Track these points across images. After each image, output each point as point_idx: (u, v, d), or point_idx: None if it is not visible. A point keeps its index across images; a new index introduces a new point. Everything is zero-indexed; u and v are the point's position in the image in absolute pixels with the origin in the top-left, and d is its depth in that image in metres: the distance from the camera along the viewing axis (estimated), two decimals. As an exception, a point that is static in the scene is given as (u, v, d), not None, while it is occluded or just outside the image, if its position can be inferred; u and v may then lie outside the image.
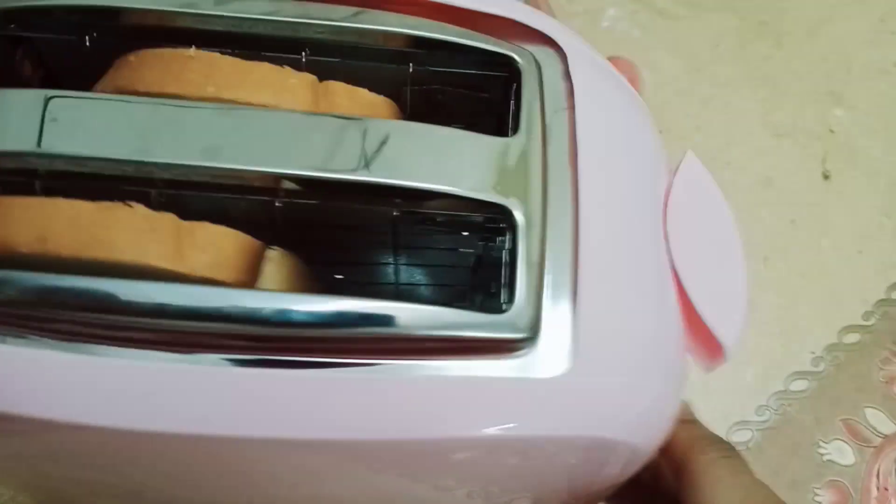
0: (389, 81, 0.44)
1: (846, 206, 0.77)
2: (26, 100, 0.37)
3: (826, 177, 0.79)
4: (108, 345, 0.34)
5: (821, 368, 0.69)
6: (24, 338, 0.34)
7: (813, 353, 0.70)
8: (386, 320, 0.33)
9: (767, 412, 0.67)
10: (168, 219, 0.34)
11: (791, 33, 0.87)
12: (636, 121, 0.43)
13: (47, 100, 0.37)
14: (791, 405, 0.67)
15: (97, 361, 0.34)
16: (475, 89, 0.45)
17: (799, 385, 0.69)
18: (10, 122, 0.36)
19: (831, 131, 0.82)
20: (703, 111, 0.81)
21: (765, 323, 0.70)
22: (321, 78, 0.41)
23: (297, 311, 0.33)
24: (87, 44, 0.42)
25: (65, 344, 0.34)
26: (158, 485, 0.44)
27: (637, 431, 0.38)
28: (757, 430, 0.66)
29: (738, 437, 0.65)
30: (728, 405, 0.66)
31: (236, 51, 0.41)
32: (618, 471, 0.40)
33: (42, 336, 0.34)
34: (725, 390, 0.67)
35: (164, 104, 0.36)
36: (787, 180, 0.78)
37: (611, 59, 0.46)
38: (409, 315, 0.34)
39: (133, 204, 0.35)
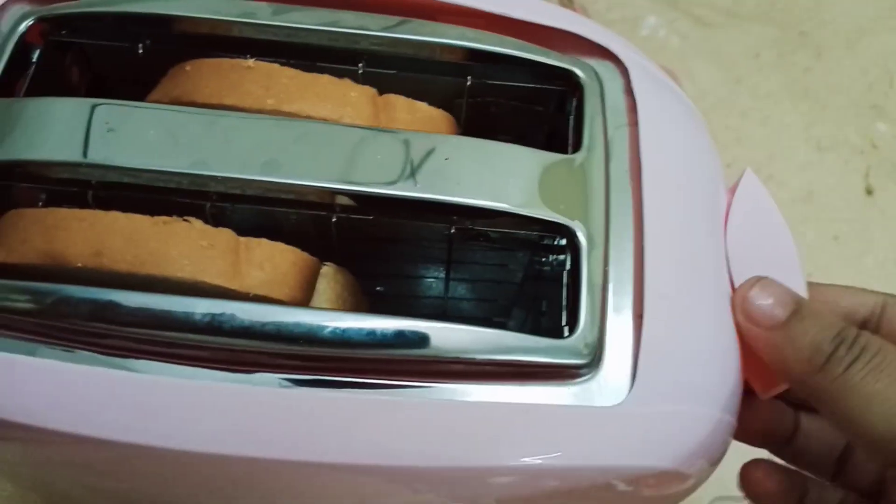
0: (444, 93, 0.43)
1: (889, 222, 0.76)
2: (75, 108, 0.36)
3: (869, 192, 0.78)
4: (163, 362, 0.33)
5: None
6: (73, 352, 0.34)
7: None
8: (446, 343, 0.33)
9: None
10: (226, 235, 0.34)
11: (831, 45, 0.86)
12: (696, 137, 0.42)
13: (93, 108, 0.36)
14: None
15: (150, 380, 0.33)
16: (530, 102, 0.44)
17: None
18: (60, 131, 0.36)
19: (874, 146, 0.80)
20: (743, 123, 0.80)
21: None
22: (378, 89, 0.40)
23: (356, 331, 0.32)
24: (140, 51, 0.41)
25: (117, 360, 0.33)
26: (197, 500, 0.44)
27: (692, 462, 0.36)
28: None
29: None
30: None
31: (292, 61, 0.41)
32: (664, 497, 0.39)
33: (95, 352, 0.33)
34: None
35: (222, 115, 0.36)
36: (829, 195, 0.77)
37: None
38: (471, 338, 0.33)
39: (191, 219, 0.34)
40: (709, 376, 0.36)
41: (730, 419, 0.37)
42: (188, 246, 0.33)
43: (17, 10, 0.42)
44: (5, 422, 0.32)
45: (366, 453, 0.32)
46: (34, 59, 0.41)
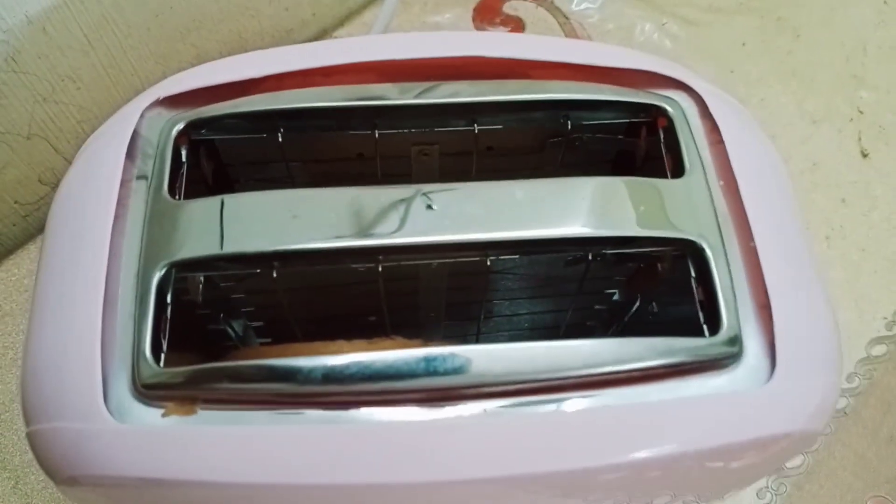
0: (541, 136, 0.49)
1: (887, 178, 0.84)
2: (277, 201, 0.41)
3: (864, 155, 0.86)
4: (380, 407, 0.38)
5: (895, 332, 0.76)
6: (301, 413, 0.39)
7: (885, 318, 0.76)
8: (625, 355, 0.39)
9: (857, 379, 0.73)
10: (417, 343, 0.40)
11: (807, 25, 0.94)
12: (765, 143, 0.48)
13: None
14: (876, 369, 0.73)
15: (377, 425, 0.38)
16: (613, 133, 0.50)
17: (879, 350, 0.75)
18: (259, 220, 0.41)
19: (860, 112, 0.88)
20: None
21: (837, 298, 0.76)
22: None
23: (564, 356, 0.38)
24: (280, 139, 0.46)
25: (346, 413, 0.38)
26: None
27: (822, 421, 0.43)
28: (850, 396, 0.72)
29: (834, 406, 0.71)
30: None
31: (413, 130, 0.46)
32: (790, 455, 0.46)
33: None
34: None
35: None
36: (831, 162, 0.85)
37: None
38: (643, 348, 0.39)
39: (395, 337, 0.40)
40: (829, 349, 0.42)
41: (838, 378, 0.44)
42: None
43: (156, 114, 0.46)
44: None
45: (575, 458, 0.38)
46: (184, 159, 0.46)
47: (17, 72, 0.67)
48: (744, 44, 0.92)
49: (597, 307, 0.56)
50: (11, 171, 0.73)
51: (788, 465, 0.66)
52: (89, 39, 0.71)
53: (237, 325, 0.54)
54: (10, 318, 0.73)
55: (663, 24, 0.91)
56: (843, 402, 0.72)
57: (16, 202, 0.76)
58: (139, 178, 0.44)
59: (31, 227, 0.78)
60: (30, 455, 0.68)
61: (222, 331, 0.53)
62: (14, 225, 0.77)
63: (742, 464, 0.41)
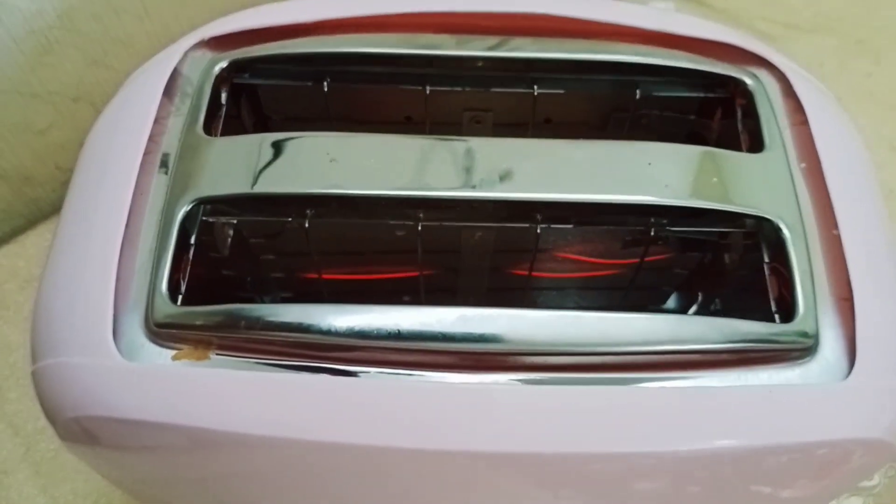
0: (603, 106, 0.46)
1: (969, 213, 0.79)
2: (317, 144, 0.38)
3: (945, 186, 0.80)
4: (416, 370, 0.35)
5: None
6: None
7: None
8: (687, 334, 0.34)
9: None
10: None
11: (887, 49, 0.89)
12: (851, 129, 0.44)
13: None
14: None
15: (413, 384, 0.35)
16: (684, 112, 0.46)
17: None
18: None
19: (943, 142, 0.83)
20: (817, 129, 0.83)
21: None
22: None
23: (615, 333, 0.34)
24: (326, 88, 0.43)
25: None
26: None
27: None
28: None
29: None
30: None
31: (468, 89, 0.43)
32: (864, 470, 0.41)
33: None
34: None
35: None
36: (909, 191, 0.79)
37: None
38: (708, 328, 0.35)
39: None
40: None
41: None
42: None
43: (199, 55, 0.44)
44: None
45: (627, 441, 0.34)
46: (223, 101, 0.43)
47: (71, 30, 0.66)
48: (822, 63, 0.87)
49: (654, 307, 0.52)
50: (55, 134, 0.71)
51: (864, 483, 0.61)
52: (145, 5, 0.69)
53: (264, 294, 0.51)
54: (42, 283, 0.71)
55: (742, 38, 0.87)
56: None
57: (57, 167, 0.74)
58: (176, 115, 0.41)
59: (71, 195, 0.77)
60: (43, 422, 0.66)
61: (248, 298, 0.50)
62: (53, 191, 0.76)
63: (810, 472, 0.37)
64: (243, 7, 0.71)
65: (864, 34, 0.90)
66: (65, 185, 0.74)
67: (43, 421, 0.38)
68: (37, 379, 0.37)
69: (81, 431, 0.36)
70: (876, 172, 0.79)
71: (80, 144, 0.72)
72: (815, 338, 0.36)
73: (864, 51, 0.89)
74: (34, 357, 0.37)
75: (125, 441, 0.36)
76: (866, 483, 0.66)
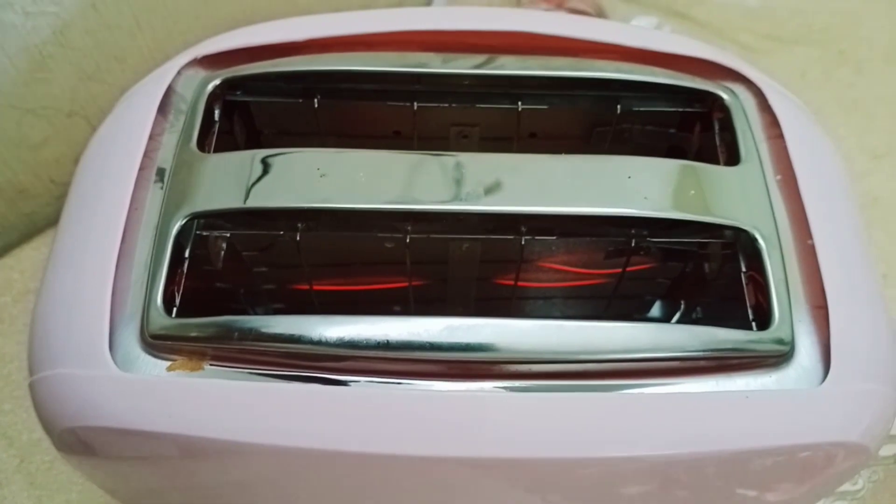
0: (585, 121, 0.47)
1: (951, 219, 0.80)
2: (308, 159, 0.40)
3: (927, 193, 0.82)
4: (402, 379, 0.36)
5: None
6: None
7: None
8: (665, 342, 0.36)
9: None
10: None
11: (869, 59, 0.91)
12: (826, 143, 0.46)
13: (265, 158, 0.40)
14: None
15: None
16: (663, 126, 0.48)
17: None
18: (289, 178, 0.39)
19: (924, 150, 0.85)
20: (800, 139, 0.84)
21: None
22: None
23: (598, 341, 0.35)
24: (316, 105, 0.45)
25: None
26: None
27: (877, 436, 0.39)
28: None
29: None
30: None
31: (453, 105, 0.44)
32: (843, 474, 0.42)
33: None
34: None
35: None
36: (892, 198, 0.81)
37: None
38: (686, 335, 0.36)
39: None
40: (887, 359, 0.39)
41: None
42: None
43: (192, 73, 0.45)
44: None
45: (595, 447, 0.35)
46: (216, 118, 0.44)
47: (65, 46, 0.67)
48: (804, 73, 0.89)
49: (635, 316, 0.53)
50: (49, 149, 0.72)
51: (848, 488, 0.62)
52: (138, 21, 0.71)
53: (257, 306, 0.52)
54: (36, 296, 0.72)
55: (723, 50, 0.89)
56: None
57: (51, 181, 0.75)
58: (171, 132, 0.42)
59: (65, 208, 0.78)
60: (37, 434, 0.67)
61: (241, 310, 0.51)
62: (48, 205, 0.77)
63: (788, 476, 0.38)
64: (234, 23, 0.72)
65: (846, 45, 0.92)
66: (59, 198, 0.76)
67: (37, 433, 0.39)
68: (34, 390, 0.38)
69: (78, 442, 0.37)
70: (858, 181, 0.81)
71: (75, 159, 0.73)
72: (791, 344, 0.37)
73: (846, 61, 0.91)
74: (31, 368, 0.38)
75: (121, 451, 0.37)
76: (850, 487, 0.67)
